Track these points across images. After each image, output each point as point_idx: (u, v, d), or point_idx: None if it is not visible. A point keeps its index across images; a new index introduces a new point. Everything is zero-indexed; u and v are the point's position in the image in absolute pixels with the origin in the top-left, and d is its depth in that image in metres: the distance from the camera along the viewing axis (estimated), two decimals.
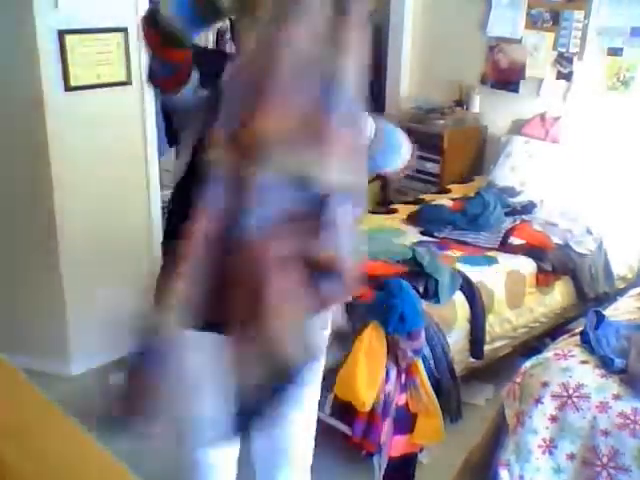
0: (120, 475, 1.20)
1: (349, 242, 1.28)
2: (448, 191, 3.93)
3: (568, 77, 3.85)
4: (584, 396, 1.89)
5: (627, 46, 3.60)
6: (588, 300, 3.22)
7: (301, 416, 1.76)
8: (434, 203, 3.65)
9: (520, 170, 3.78)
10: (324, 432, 2.38)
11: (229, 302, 1.18)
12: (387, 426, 2.33)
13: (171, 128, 1.75)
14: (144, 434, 1.25)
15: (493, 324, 2.85)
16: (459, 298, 2.72)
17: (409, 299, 2.28)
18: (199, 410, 1.28)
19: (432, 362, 2.47)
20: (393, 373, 2.32)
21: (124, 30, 2.91)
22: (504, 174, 3.84)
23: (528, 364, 2.08)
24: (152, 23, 1.30)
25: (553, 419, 1.91)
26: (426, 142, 4.15)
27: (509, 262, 3.02)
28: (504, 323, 2.91)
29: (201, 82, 1.46)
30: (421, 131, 4.11)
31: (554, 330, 3.17)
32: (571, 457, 1.89)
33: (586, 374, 1.95)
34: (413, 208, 3.57)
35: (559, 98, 3.91)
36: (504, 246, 3.16)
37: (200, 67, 1.43)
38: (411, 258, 2.75)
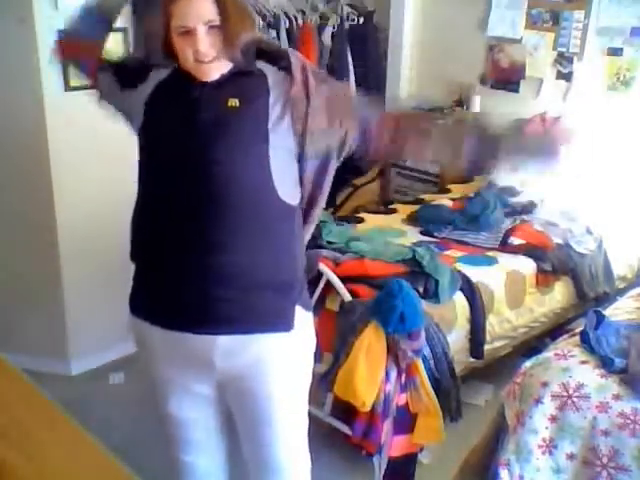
0: (120, 475, 1.20)
1: None
2: (448, 191, 3.93)
3: (568, 77, 3.85)
4: (584, 396, 1.89)
5: (627, 46, 3.60)
6: (588, 300, 3.22)
7: (280, 421, 1.68)
8: (434, 203, 3.65)
9: (520, 170, 3.78)
10: (324, 432, 2.38)
11: None
12: (387, 426, 2.33)
13: None
14: None
15: (493, 324, 2.84)
16: (459, 298, 2.72)
17: (409, 299, 2.27)
18: None
19: (432, 362, 2.47)
20: (393, 373, 2.31)
21: (124, 30, 2.90)
22: (504, 174, 3.83)
23: (528, 364, 2.08)
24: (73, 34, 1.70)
25: (553, 419, 1.91)
26: None
27: (509, 262, 3.02)
28: (504, 323, 2.91)
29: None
30: None
31: (554, 330, 3.17)
32: (571, 457, 1.89)
33: (586, 374, 1.95)
34: (413, 208, 3.57)
35: (559, 98, 3.91)
36: (504, 246, 3.16)
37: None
38: (411, 258, 2.75)
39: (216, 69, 1.50)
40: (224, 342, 1.56)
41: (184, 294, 1.56)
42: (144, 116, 1.59)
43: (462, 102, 4.30)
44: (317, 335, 1.76)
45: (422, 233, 3.31)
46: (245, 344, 1.57)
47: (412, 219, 3.46)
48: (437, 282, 2.63)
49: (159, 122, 1.58)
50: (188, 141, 1.52)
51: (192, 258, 1.54)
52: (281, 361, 1.62)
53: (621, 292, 3.15)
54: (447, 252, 3.06)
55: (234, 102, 1.51)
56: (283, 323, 1.60)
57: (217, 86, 1.52)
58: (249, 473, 1.79)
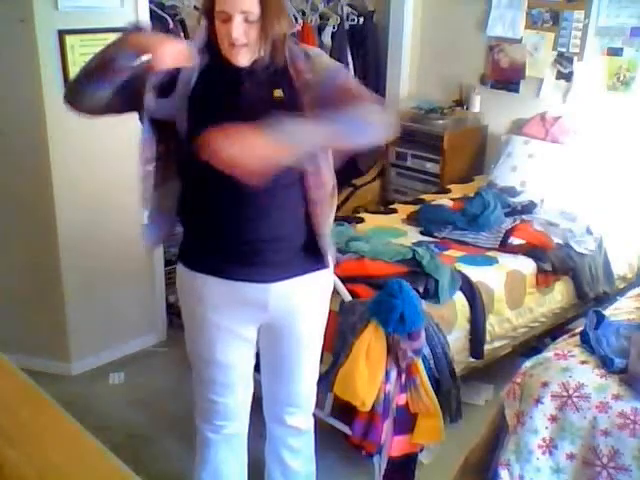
0: (120, 475, 1.20)
1: None
2: (448, 191, 3.93)
3: (568, 77, 3.85)
4: (584, 396, 1.89)
5: (627, 46, 3.60)
6: (588, 300, 3.22)
7: (306, 358, 1.97)
8: (434, 203, 3.65)
9: (520, 170, 3.78)
10: (324, 432, 2.38)
11: None
12: (387, 426, 2.33)
13: None
14: None
15: (493, 324, 2.84)
16: (459, 298, 2.72)
17: (409, 299, 2.27)
18: None
19: (432, 362, 2.47)
20: (393, 373, 2.31)
21: (124, 30, 2.90)
22: (504, 174, 3.84)
23: (528, 364, 2.08)
24: None
25: (553, 419, 1.91)
26: (426, 142, 4.15)
27: (509, 262, 3.02)
28: (504, 323, 2.91)
29: None
30: (421, 131, 4.11)
31: (554, 330, 3.17)
32: (571, 457, 1.89)
33: (586, 374, 1.95)
34: (413, 208, 3.57)
35: (559, 98, 3.92)
36: (504, 246, 3.16)
37: None
38: (411, 258, 2.75)
39: (245, 55, 1.61)
40: (278, 287, 1.80)
41: (240, 249, 1.76)
42: (191, 100, 1.67)
43: (462, 102, 4.30)
44: None
45: (422, 233, 3.30)
46: (295, 285, 1.82)
47: (412, 219, 3.46)
48: (437, 282, 2.63)
49: (207, 104, 1.67)
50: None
51: (247, 223, 1.72)
52: (320, 295, 1.92)
53: (621, 292, 3.15)
54: (447, 252, 3.06)
55: (279, 93, 1.66)
56: (324, 262, 1.86)
57: (256, 73, 1.64)
58: (268, 406, 2.09)
